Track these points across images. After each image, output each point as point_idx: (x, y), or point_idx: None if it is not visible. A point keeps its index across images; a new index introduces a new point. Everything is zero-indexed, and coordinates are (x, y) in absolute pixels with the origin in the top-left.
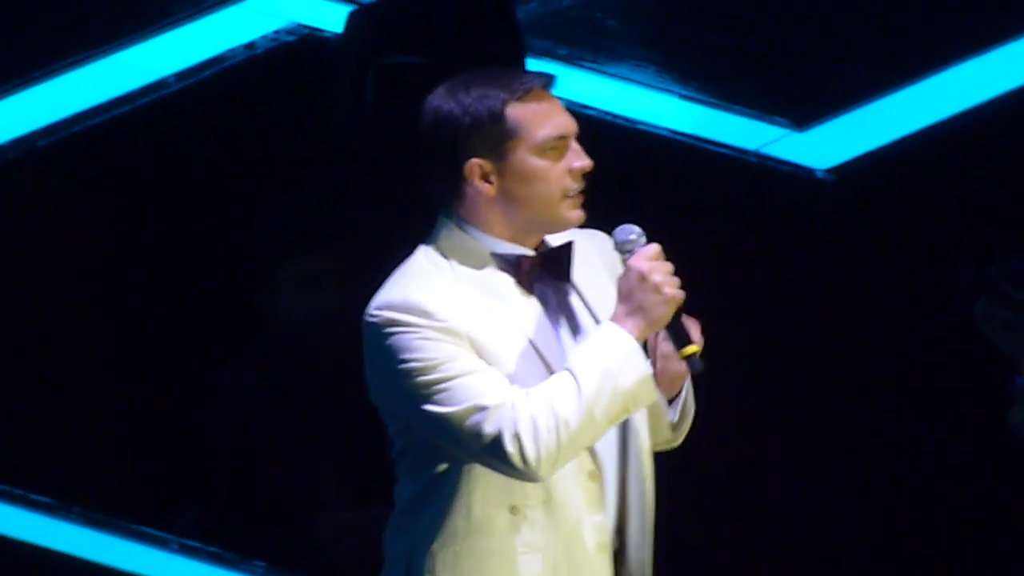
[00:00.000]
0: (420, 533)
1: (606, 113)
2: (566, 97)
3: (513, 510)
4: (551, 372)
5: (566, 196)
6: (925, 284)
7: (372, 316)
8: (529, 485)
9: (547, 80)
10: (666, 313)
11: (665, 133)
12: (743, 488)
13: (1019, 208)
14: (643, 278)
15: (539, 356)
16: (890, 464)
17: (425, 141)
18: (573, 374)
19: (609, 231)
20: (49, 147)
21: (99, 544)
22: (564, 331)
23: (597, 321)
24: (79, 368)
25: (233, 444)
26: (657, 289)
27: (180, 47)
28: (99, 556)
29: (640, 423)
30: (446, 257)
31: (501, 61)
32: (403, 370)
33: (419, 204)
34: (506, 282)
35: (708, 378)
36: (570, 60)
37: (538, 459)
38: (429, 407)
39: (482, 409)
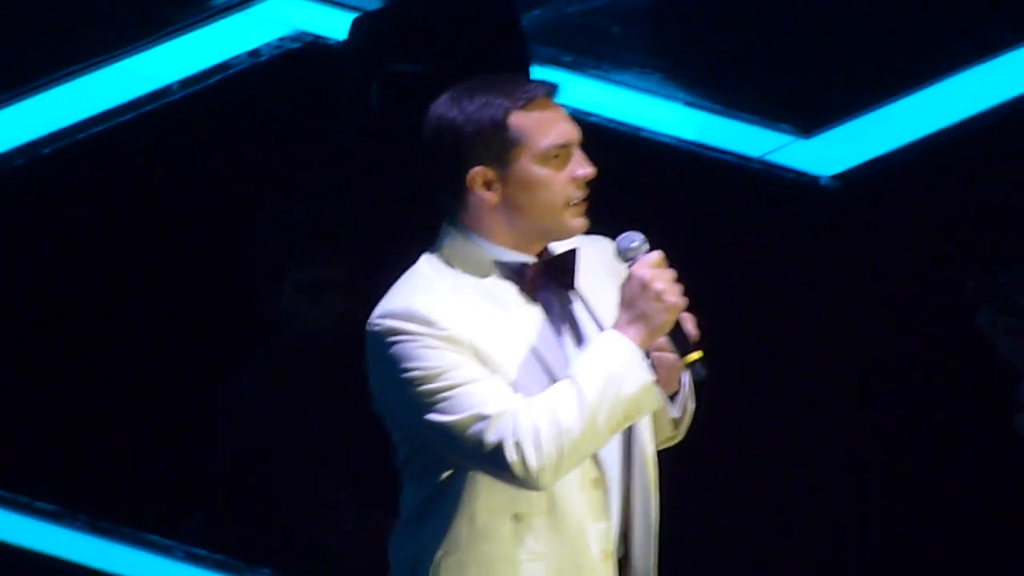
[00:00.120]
0: (425, 541)
1: (610, 120)
2: (570, 104)
3: (517, 518)
4: (554, 380)
5: (569, 204)
6: (929, 290)
7: (375, 325)
8: (533, 493)
9: (550, 88)
10: (668, 320)
11: (669, 140)
12: (747, 494)
13: (1023, 215)
14: (645, 286)
15: (542, 364)
16: (894, 468)
17: (428, 149)
18: (575, 382)
19: (613, 238)
20: (54, 154)
21: (104, 551)
22: (567, 339)
23: (601, 328)
24: (84, 375)
25: (238, 451)
26: (659, 297)
27: (185, 54)
28: (104, 564)
29: (644, 429)
30: (450, 265)
31: (506, 68)
32: (406, 379)
33: (424, 211)
34: (509, 290)
35: (713, 384)
36: (574, 67)
37: (540, 467)
38: (432, 416)
39: (484, 418)
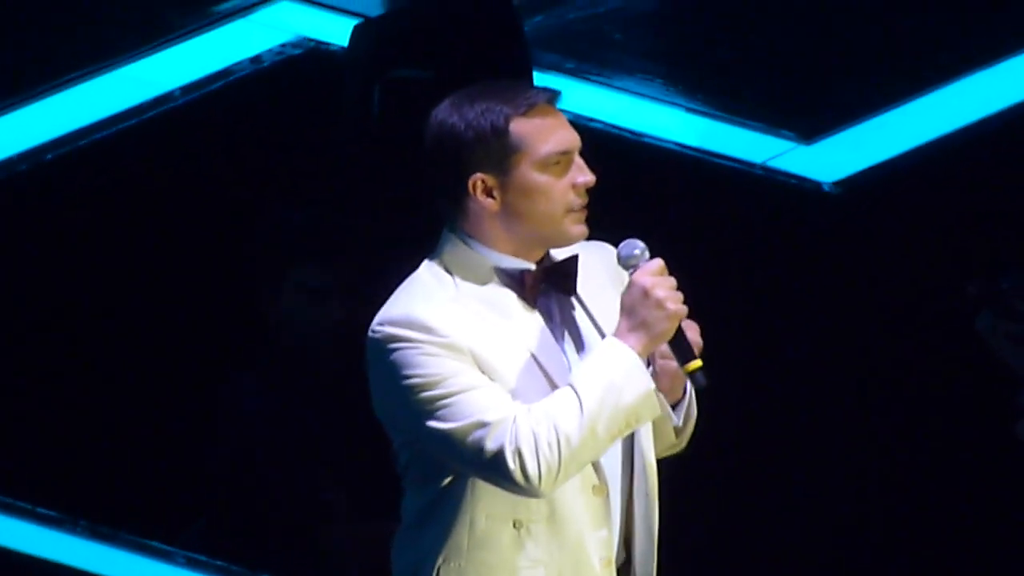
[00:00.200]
0: (425, 548)
1: (612, 126)
2: (573, 111)
3: (517, 525)
4: (554, 387)
5: (569, 211)
6: (931, 295)
7: (375, 332)
8: (533, 500)
9: (551, 95)
10: (669, 328)
11: (671, 146)
12: (749, 500)
13: None
14: (646, 293)
15: (542, 371)
16: (895, 475)
17: (429, 155)
18: (575, 390)
19: (615, 244)
20: (57, 160)
21: (105, 557)
22: (568, 345)
23: (602, 335)
24: (85, 379)
25: (239, 457)
26: (660, 304)
27: (186, 60)
28: (105, 569)
29: (645, 436)
30: (450, 272)
31: (508, 75)
32: (405, 386)
33: (425, 217)
34: (510, 297)
35: (715, 391)
36: (577, 73)
37: (539, 475)
38: (431, 423)
39: (484, 425)
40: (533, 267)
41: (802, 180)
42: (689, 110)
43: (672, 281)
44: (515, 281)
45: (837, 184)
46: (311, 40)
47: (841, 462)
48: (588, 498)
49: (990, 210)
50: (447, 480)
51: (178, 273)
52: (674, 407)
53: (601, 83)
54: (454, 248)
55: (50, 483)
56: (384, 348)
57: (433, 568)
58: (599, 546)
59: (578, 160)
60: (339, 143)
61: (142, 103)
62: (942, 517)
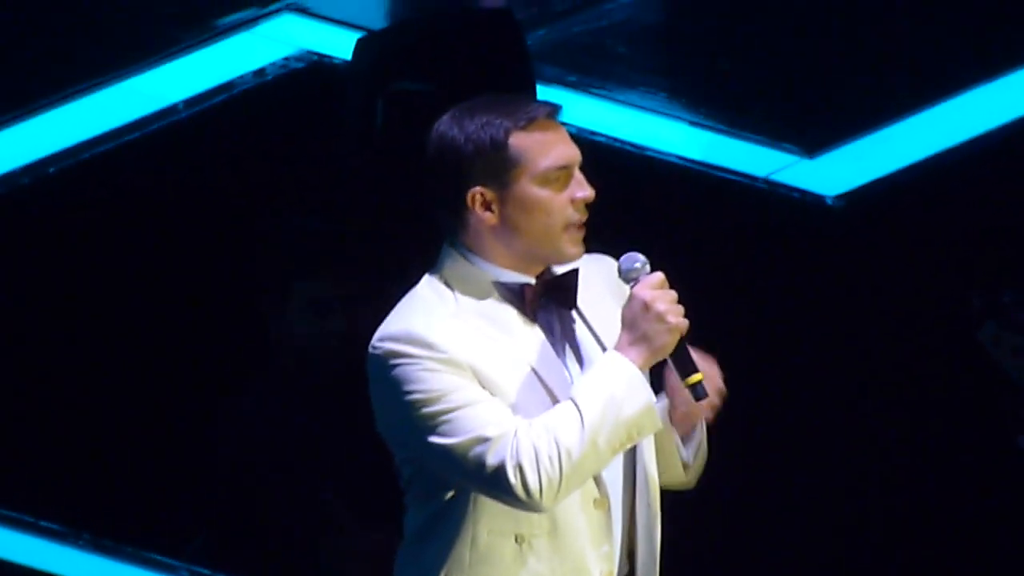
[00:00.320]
0: (428, 562)
1: (615, 140)
2: (576, 124)
3: (519, 539)
4: (556, 401)
5: (568, 226)
6: (933, 308)
7: (375, 348)
8: (535, 515)
9: (552, 109)
10: (670, 342)
11: (675, 160)
12: (754, 513)
13: None
14: (647, 307)
15: (543, 385)
16: (899, 486)
17: (429, 168)
18: (576, 404)
19: (619, 257)
20: (60, 173)
21: (108, 571)
22: (569, 359)
23: (603, 348)
24: (88, 393)
25: (242, 470)
26: (661, 318)
27: (190, 74)
28: None
29: (647, 450)
30: (450, 287)
31: (511, 88)
32: (406, 402)
33: (429, 230)
34: (510, 311)
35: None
36: (580, 87)
37: (540, 489)
38: (432, 438)
39: (485, 440)
40: (533, 281)
41: (805, 194)
42: (692, 124)
43: (673, 294)
44: (515, 295)
45: (840, 198)
46: (314, 53)
47: (846, 473)
48: (590, 512)
49: (992, 223)
50: (449, 496)
51: (181, 285)
52: (684, 442)
53: (604, 97)
54: (454, 263)
55: (53, 496)
56: (385, 364)
57: None
58: (601, 560)
59: (578, 175)
60: (342, 156)
61: (146, 116)
62: (945, 526)
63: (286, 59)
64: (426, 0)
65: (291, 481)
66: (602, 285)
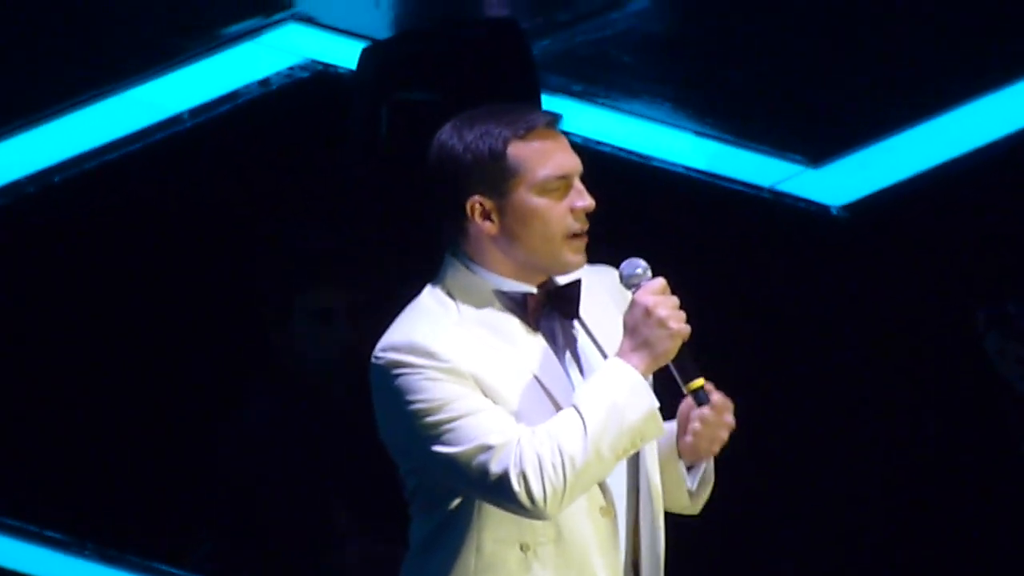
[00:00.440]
0: (433, 572)
1: (620, 149)
2: (580, 133)
3: (524, 548)
4: (559, 409)
5: (568, 236)
6: (938, 319)
7: (377, 358)
8: (540, 523)
9: (552, 118)
10: (672, 347)
11: (680, 169)
12: (758, 524)
13: None
14: (648, 312)
15: (546, 394)
16: (904, 493)
17: (430, 177)
18: (578, 411)
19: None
20: (65, 182)
21: None
22: (572, 368)
23: (605, 358)
24: (92, 403)
25: (247, 480)
26: (662, 323)
27: (195, 83)
28: None
29: (651, 459)
30: (452, 296)
31: (516, 98)
32: (409, 411)
33: (432, 240)
34: (512, 321)
35: None
36: (584, 96)
37: (544, 497)
38: (436, 447)
39: (488, 448)
40: (535, 290)
41: (810, 204)
42: (697, 133)
43: (675, 300)
44: (517, 305)
45: (845, 208)
46: (319, 63)
47: (852, 483)
48: (596, 520)
49: (997, 234)
50: (453, 505)
51: (185, 295)
52: (689, 470)
53: (609, 106)
54: (455, 272)
55: (57, 506)
56: (387, 374)
57: None
58: (607, 568)
59: (578, 184)
60: (347, 165)
61: (150, 126)
62: (951, 536)
63: (291, 69)
64: (431, 10)
65: (295, 491)
66: (605, 296)
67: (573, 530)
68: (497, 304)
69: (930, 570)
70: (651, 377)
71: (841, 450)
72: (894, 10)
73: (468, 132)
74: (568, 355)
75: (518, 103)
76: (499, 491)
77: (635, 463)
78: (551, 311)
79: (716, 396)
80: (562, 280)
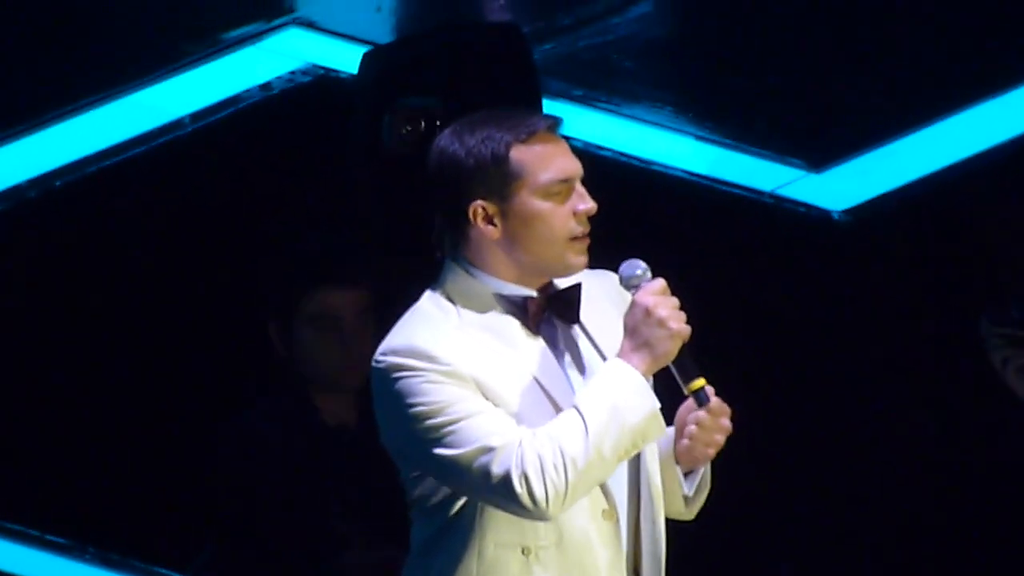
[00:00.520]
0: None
1: (621, 154)
2: (581, 138)
3: (526, 551)
4: (559, 412)
5: (571, 239)
6: (941, 324)
7: (378, 362)
8: (541, 526)
9: (552, 122)
10: (672, 348)
11: (681, 174)
12: (759, 528)
13: None
14: (648, 313)
15: (547, 397)
16: (903, 500)
17: (431, 182)
18: (579, 412)
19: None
20: (66, 187)
21: None
22: (572, 372)
23: (606, 361)
24: (94, 408)
25: (248, 485)
26: (663, 324)
27: (196, 87)
28: None
29: (652, 462)
30: (452, 301)
31: (517, 102)
32: (410, 414)
33: (433, 244)
34: (512, 324)
35: None
36: (586, 101)
37: (546, 498)
38: (437, 450)
39: (489, 450)
40: (535, 294)
41: (811, 208)
42: (698, 138)
43: (675, 301)
44: (518, 308)
45: (846, 212)
46: (320, 67)
47: (853, 487)
48: (599, 523)
49: (998, 239)
50: (455, 509)
51: (187, 299)
52: (686, 476)
53: (610, 111)
54: (455, 277)
55: (58, 510)
56: (388, 377)
57: None
58: (609, 571)
59: (579, 188)
60: (348, 170)
61: (151, 130)
62: (948, 540)
63: (292, 73)
64: (433, 14)
65: (297, 495)
66: (605, 300)
67: (575, 533)
68: (497, 308)
69: (930, 573)
70: (651, 379)
71: (842, 454)
72: (895, 15)
73: (470, 137)
74: (568, 358)
75: (518, 107)
76: (501, 493)
77: (636, 466)
78: (551, 315)
79: (713, 400)
80: (562, 284)
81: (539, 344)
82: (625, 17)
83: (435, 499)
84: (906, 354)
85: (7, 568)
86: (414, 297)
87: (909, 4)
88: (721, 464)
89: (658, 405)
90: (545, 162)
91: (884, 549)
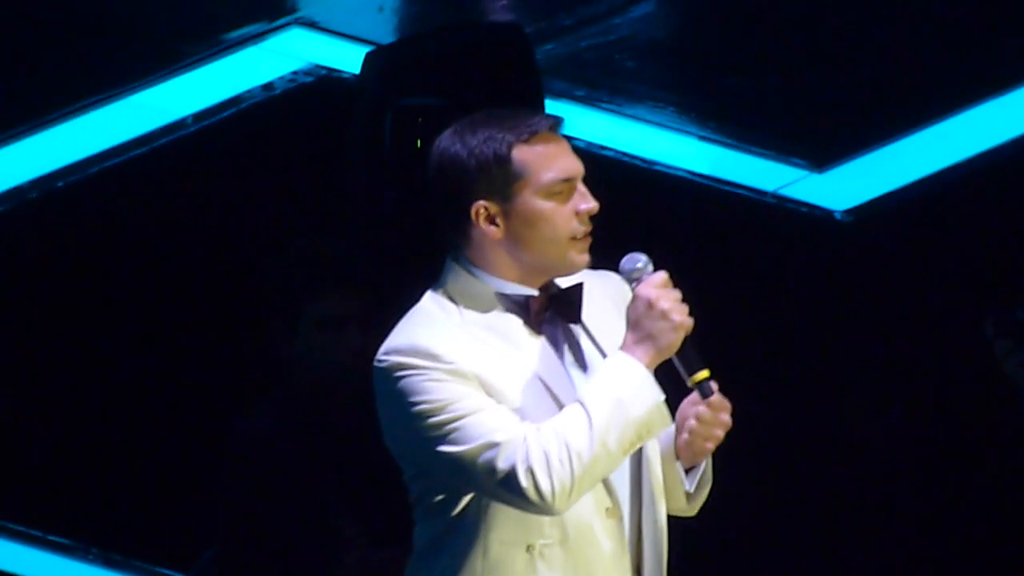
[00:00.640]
0: (439, 575)
1: (624, 154)
2: (584, 138)
3: (530, 549)
4: (562, 409)
5: (573, 238)
6: (944, 324)
7: (380, 362)
8: (546, 523)
9: (554, 122)
10: (675, 340)
11: (683, 174)
12: (762, 529)
13: None
14: (651, 305)
15: (550, 394)
16: (909, 500)
17: (433, 183)
18: (584, 406)
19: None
20: (68, 187)
21: None
22: (575, 371)
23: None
24: (97, 410)
25: (252, 485)
26: (665, 316)
27: (198, 88)
28: None
29: (654, 462)
30: (453, 301)
31: (520, 102)
32: (414, 413)
33: (434, 244)
34: (514, 324)
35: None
36: (588, 101)
37: (552, 492)
38: (442, 447)
39: (494, 445)
40: (537, 293)
41: (814, 208)
42: (701, 138)
43: (677, 293)
44: (520, 307)
45: (849, 212)
46: (323, 67)
47: (856, 487)
48: (603, 520)
49: (1001, 238)
50: (459, 509)
51: (190, 300)
52: (688, 472)
53: (613, 111)
54: (457, 276)
55: (62, 511)
56: (391, 377)
57: None
58: (613, 569)
59: (581, 187)
60: (350, 171)
61: (154, 130)
62: (952, 538)
63: (294, 73)
64: (435, 14)
65: (301, 496)
66: (607, 300)
67: (579, 531)
68: (499, 307)
69: (933, 572)
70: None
71: (845, 454)
72: (898, 15)
73: (471, 137)
74: (570, 358)
75: (518, 107)
76: (507, 488)
77: (638, 464)
78: (553, 314)
79: (714, 395)
80: (564, 283)
81: (541, 343)
82: (627, 17)
83: (438, 498)
84: (908, 354)
85: (10, 569)
86: (416, 297)
87: (912, 4)
88: (723, 463)
89: (662, 397)
90: (547, 162)
91: (885, 548)
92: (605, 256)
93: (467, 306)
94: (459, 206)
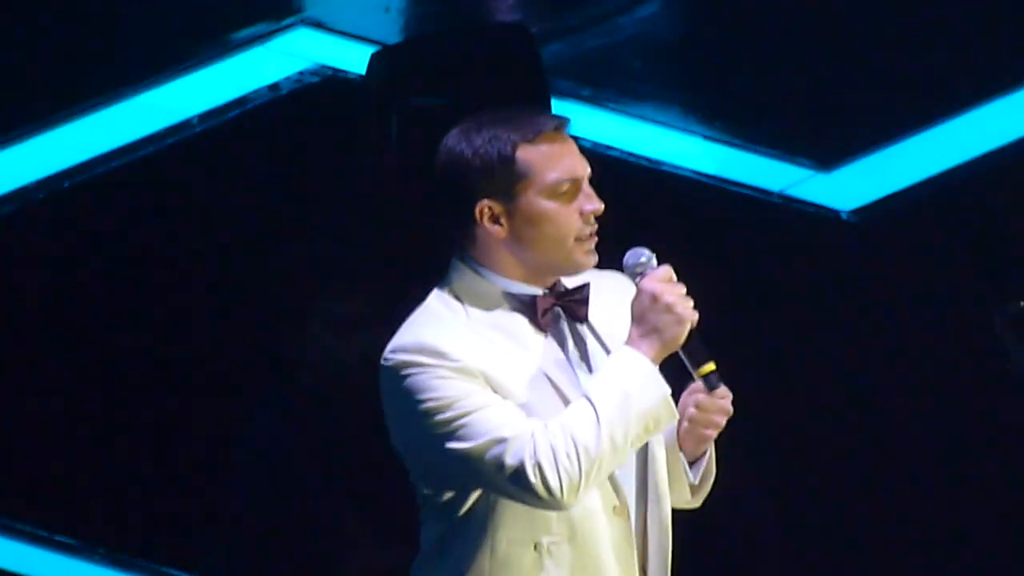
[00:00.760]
0: (446, 574)
1: (630, 154)
2: (589, 138)
3: (538, 547)
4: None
5: (577, 239)
6: (949, 324)
7: (387, 360)
8: (553, 521)
9: (560, 122)
10: (680, 333)
11: (689, 174)
12: (766, 529)
13: None
14: (655, 299)
15: (557, 392)
16: (912, 497)
17: (438, 182)
18: (590, 400)
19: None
20: (74, 188)
21: None
22: (581, 370)
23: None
24: (103, 410)
25: (258, 486)
26: (670, 309)
27: (204, 88)
28: None
29: (660, 462)
30: (459, 300)
31: (526, 102)
32: (421, 410)
33: (440, 243)
34: (520, 322)
35: (730, 417)
36: (594, 101)
37: (561, 487)
38: (449, 444)
39: (502, 441)
40: (543, 292)
41: (820, 208)
42: (707, 138)
43: (681, 287)
44: (526, 306)
45: (855, 212)
46: (329, 68)
47: (861, 487)
48: (610, 518)
49: (1007, 237)
50: (466, 508)
51: (196, 300)
52: (692, 465)
53: (619, 111)
54: (462, 276)
55: (68, 510)
56: (397, 375)
57: None
58: (620, 567)
59: (586, 187)
60: (357, 171)
61: (160, 130)
62: (955, 538)
63: (300, 73)
64: (441, 14)
65: (306, 497)
66: (613, 300)
67: (587, 529)
68: (505, 306)
69: (933, 572)
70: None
71: (850, 453)
72: (903, 15)
73: (476, 137)
74: (577, 356)
75: (522, 107)
76: (515, 483)
77: (644, 463)
78: (560, 313)
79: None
80: (570, 283)
81: (548, 342)
82: (633, 17)
83: (445, 498)
84: (914, 353)
85: (17, 569)
86: (421, 296)
87: (917, 4)
88: (728, 461)
89: (668, 390)
90: (552, 162)
91: (888, 546)
92: (610, 255)
93: (473, 305)
94: (464, 205)
